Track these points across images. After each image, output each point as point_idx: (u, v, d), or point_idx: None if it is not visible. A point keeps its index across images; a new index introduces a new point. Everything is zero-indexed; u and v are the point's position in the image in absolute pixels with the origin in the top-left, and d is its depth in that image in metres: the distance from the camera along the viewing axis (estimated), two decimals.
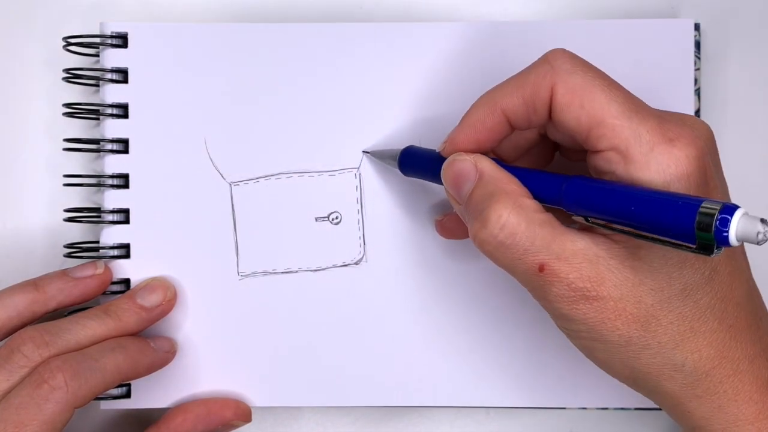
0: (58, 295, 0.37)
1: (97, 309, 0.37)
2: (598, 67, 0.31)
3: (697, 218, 0.25)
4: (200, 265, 0.40)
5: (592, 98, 0.30)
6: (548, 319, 0.40)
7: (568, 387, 0.40)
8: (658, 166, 0.28)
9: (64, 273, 0.38)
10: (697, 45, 0.40)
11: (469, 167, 0.32)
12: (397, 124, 0.40)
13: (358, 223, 0.40)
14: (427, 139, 0.40)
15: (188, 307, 0.40)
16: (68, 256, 0.40)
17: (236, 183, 0.40)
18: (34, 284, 0.37)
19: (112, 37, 0.40)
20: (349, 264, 0.40)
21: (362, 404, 0.40)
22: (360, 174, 0.40)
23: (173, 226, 0.40)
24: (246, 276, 0.40)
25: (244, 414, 0.40)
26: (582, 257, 0.29)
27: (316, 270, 0.40)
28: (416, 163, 0.37)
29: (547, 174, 0.31)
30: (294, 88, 0.40)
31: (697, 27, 0.40)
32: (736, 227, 0.25)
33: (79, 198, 0.41)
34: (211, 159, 0.40)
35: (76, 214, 0.40)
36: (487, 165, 0.32)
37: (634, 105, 0.30)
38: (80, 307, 0.39)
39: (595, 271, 0.29)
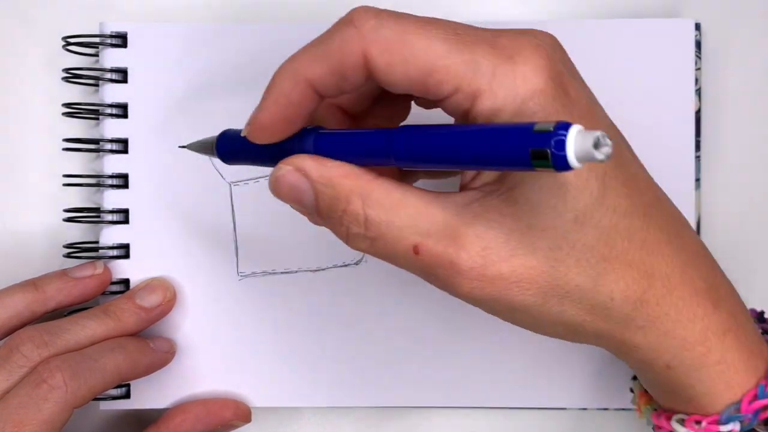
0: (58, 295, 0.37)
1: (96, 309, 0.37)
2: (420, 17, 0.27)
3: (532, 143, 0.22)
4: (200, 265, 0.40)
5: (411, 48, 0.26)
6: None
7: (568, 387, 0.40)
8: (506, 90, 0.25)
9: (63, 273, 0.38)
10: (698, 45, 0.40)
11: (296, 178, 0.28)
12: None
13: None
14: None
15: (188, 307, 0.40)
16: (68, 256, 0.40)
17: (236, 183, 0.40)
18: (33, 284, 0.37)
19: (111, 36, 0.40)
20: (349, 264, 0.40)
21: (362, 404, 0.40)
22: None
23: (173, 226, 0.40)
24: (246, 276, 0.40)
25: (244, 414, 0.40)
26: (456, 224, 0.26)
27: (316, 270, 0.40)
28: (235, 148, 0.33)
29: (370, 134, 0.28)
30: None
31: (697, 27, 0.40)
32: (573, 148, 0.22)
33: (78, 198, 0.41)
34: (211, 159, 0.40)
35: (76, 214, 0.40)
36: (311, 166, 0.28)
37: (459, 35, 0.26)
38: (80, 307, 0.39)
39: (475, 234, 0.26)
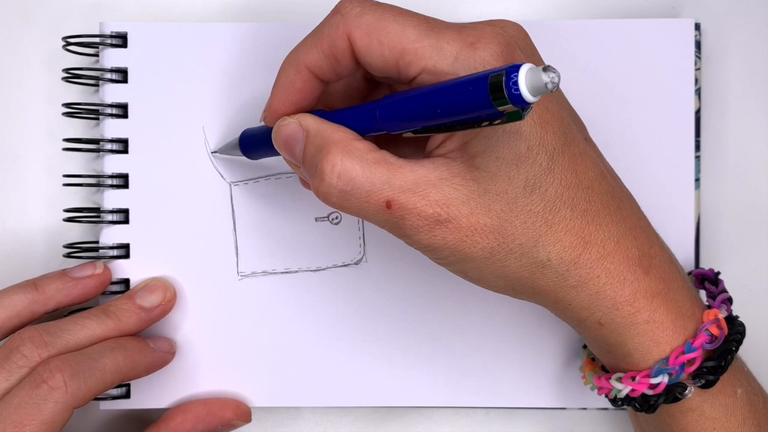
0: (58, 295, 0.37)
1: (96, 309, 0.37)
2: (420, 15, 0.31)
3: (489, 85, 0.25)
4: (200, 265, 0.40)
5: (387, 32, 0.30)
6: (548, 319, 0.40)
7: (568, 387, 0.40)
8: (466, 71, 0.29)
9: (63, 273, 0.38)
10: (698, 45, 0.40)
11: (295, 128, 0.32)
12: None
13: (358, 223, 0.40)
14: None
15: (188, 307, 0.40)
16: (68, 256, 0.40)
17: (236, 183, 0.40)
18: (33, 284, 0.37)
19: (111, 36, 0.40)
20: (349, 264, 0.40)
21: (362, 404, 0.40)
22: None
23: (173, 226, 0.40)
24: (246, 276, 0.40)
25: (244, 414, 0.40)
26: (425, 184, 0.30)
27: (316, 270, 0.40)
28: (254, 143, 0.37)
29: (363, 105, 0.32)
30: None
31: (697, 27, 0.40)
32: (524, 83, 0.25)
33: (78, 198, 0.41)
34: (211, 159, 0.40)
35: (76, 214, 0.40)
36: (311, 121, 0.32)
37: (430, 24, 0.30)
38: (80, 307, 0.39)
39: (441, 194, 0.30)
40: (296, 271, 0.40)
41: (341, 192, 0.30)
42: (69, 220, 0.40)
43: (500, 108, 0.26)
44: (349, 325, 0.40)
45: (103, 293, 0.39)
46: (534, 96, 0.25)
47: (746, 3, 0.42)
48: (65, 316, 0.38)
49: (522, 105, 0.25)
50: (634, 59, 0.40)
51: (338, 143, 0.30)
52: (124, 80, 0.40)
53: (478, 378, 0.40)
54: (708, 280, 0.37)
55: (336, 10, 0.31)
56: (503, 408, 0.41)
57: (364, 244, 0.40)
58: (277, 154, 0.34)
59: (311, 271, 0.40)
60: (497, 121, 0.27)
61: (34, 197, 0.42)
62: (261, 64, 0.40)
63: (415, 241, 0.31)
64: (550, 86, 0.25)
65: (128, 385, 0.40)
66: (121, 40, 0.40)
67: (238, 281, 0.40)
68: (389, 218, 0.30)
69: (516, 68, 0.25)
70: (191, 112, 0.40)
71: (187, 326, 0.40)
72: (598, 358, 0.36)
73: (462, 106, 0.27)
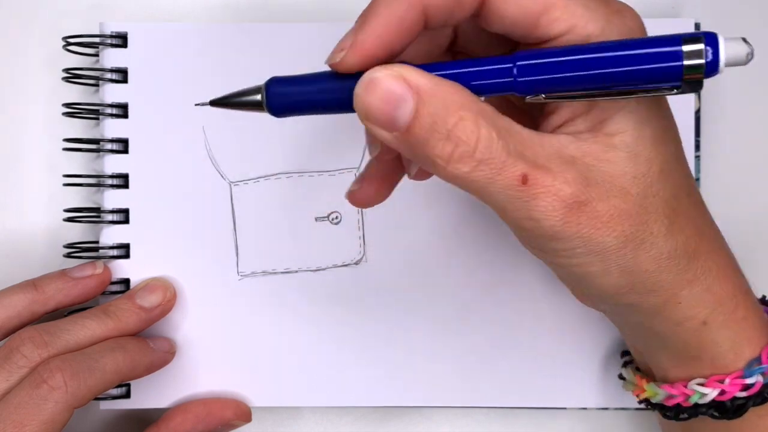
0: (58, 295, 0.37)
1: (96, 309, 0.37)
2: None
3: (684, 52, 0.24)
4: (200, 265, 0.40)
5: None
6: (550, 320, 0.40)
7: (568, 387, 0.40)
8: (619, 36, 0.27)
9: (63, 273, 0.38)
10: None
11: (399, 86, 0.26)
12: None
13: (358, 223, 0.40)
14: None
15: (188, 307, 0.40)
16: (68, 256, 0.40)
17: (236, 183, 0.40)
18: (33, 284, 0.37)
19: (111, 36, 0.40)
20: (349, 264, 0.40)
21: (362, 404, 0.40)
22: None
23: (173, 226, 0.40)
24: (246, 276, 0.40)
25: (244, 414, 0.40)
26: (559, 160, 0.27)
27: (316, 270, 0.40)
28: (295, 94, 0.28)
29: (486, 59, 0.27)
30: None
31: (697, 27, 0.40)
32: (724, 51, 0.24)
33: (78, 198, 0.41)
34: (211, 159, 0.40)
35: (76, 214, 0.40)
36: (419, 76, 0.26)
37: None
38: (80, 307, 0.39)
39: (576, 171, 0.27)
40: (296, 271, 0.40)
41: (477, 161, 0.26)
42: (69, 220, 0.40)
43: (687, 76, 0.24)
44: (349, 324, 0.40)
45: (103, 293, 0.39)
46: (726, 65, 0.24)
47: (746, 3, 0.42)
48: (65, 316, 0.38)
49: (713, 74, 0.24)
50: None
51: (469, 105, 0.26)
52: (124, 80, 0.40)
53: (478, 378, 0.40)
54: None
55: None
56: (503, 408, 0.41)
57: (364, 244, 0.40)
58: (320, 110, 0.28)
59: (311, 271, 0.40)
60: (673, 91, 0.25)
61: (34, 197, 0.42)
62: (261, 64, 0.40)
63: (546, 227, 0.27)
64: (748, 57, 0.24)
65: (128, 385, 0.40)
66: (121, 40, 0.40)
67: (238, 281, 0.40)
68: (521, 197, 0.26)
69: (713, 36, 0.24)
70: (191, 112, 0.40)
71: (187, 326, 0.40)
72: (661, 372, 0.34)
73: (640, 72, 0.25)
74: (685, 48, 0.24)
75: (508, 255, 0.40)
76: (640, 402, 0.36)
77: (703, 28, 0.41)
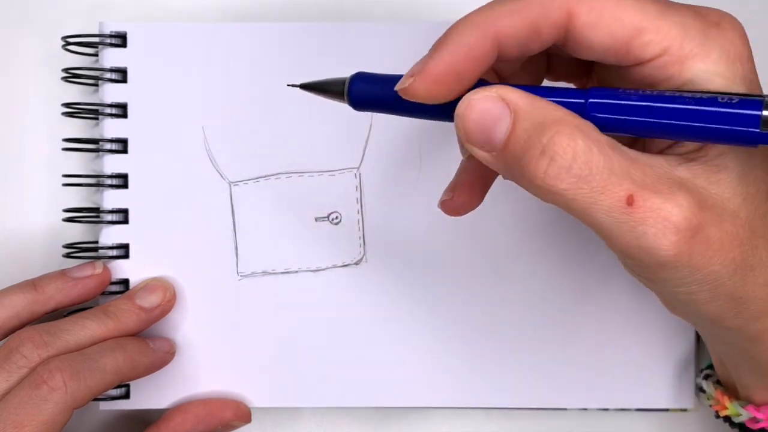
0: (57, 295, 0.37)
1: (96, 309, 0.37)
2: None
3: (762, 118, 0.23)
4: (200, 265, 0.40)
5: (624, 8, 0.26)
6: (549, 320, 0.40)
7: (568, 387, 0.40)
8: (720, 51, 0.25)
9: (62, 273, 0.38)
10: None
11: (497, 105, 0.26)
12: (398, 123, 0.40)
13: (358, 223, 0.40)
14: (430, 138, 0.40)
15: (188, 307, 0.40)
16: (67, 256, 0.40)
17: (236, 183, 0.40)
18: (32, 284, 0.37)
19: (111, 36, 0.40)
20: (349, 264, 0.40)
21: (362, 404, 0.40)
22: (360, 174, 0.40)
23: (173, 226, 0.40)
24: (246, 276, 0.40)
25: (244, 414, 0.39)
26: (668, 182, 0.25)
27: (316, 270, 0.40)
28: (379, 92, 0.29)
29: (563, 90, 0.27)
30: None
31: None
32: None
33: (78, 198, 0.41)
34: (210, 159, 0.40)
35: (75, 214, 0.40)
36: (518, 95, 0.26)
37: (665, 2, 0.26)
38: (79, 307, 0.39)
39: (690, 195, 0.25)
40: (296, 271, 0.40)
41: (576, 177, 0.24)
42: (69, 220, 0.40)
43: (761, 145, 0.23)
44: (348, 325, 0.40)
45: (103, 293, 0.39)
46: None
47: (746, 3, 0.42)
48: (65, 316, 0.38)
49: None
50: None
51: (566, 121, 0.25)
52: (124, 80, 0.40)
53: (478, 378, 0.40)
54: None
55: None
56: (503, 408, 0.41)
57: (364, 244, 0.40)
58: (402, 113, 0.28)
59: (311, 271, 0.40)
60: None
61: (34, 197, 0.42)
62: (261, 64, 0.40)
63: (653, 255, 0.25)
64: None
65: (128, 386, 0.40)
66: (120, 40, 0.40)
67: (238, 281, 0.40)
68: (626, 219, 0.25)
69: None
70: (191, 112, 0.40)
71: (187, 326, 0.40)
72: (747, 391, 0.33)
73: (712, 131, 0.24)
74: (765, 113, 0.23)
75: (508, 254, 0.40)
76: (719, 418, 0.35)
77: None
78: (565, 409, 0.41)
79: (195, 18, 0.42)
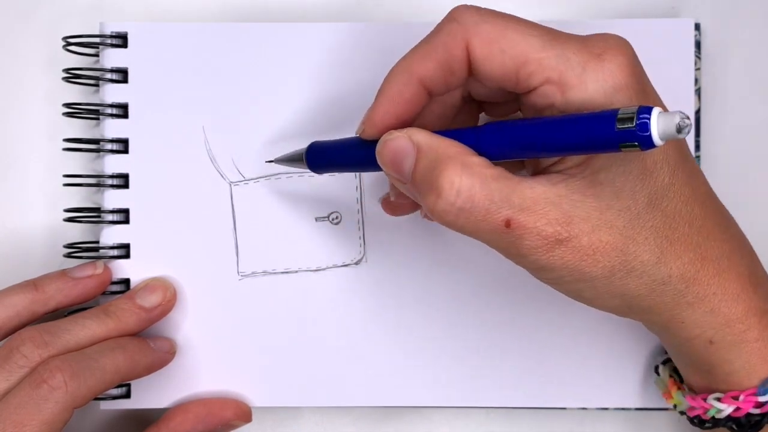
0: (58, 295, 0.37)
1: (96, 309, 0.37)
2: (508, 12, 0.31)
3: (617, 127, 0.25)
4: (200, 265, 0.40)
5: (509, 41, 0.29)
6: (548, 319, 0.40)
7: (568, 387, 0.40)
8: (596, 83, 0.28)
9: (63, 273, 0.38)
10: (697, 45, 0.40)
11: (405, 143, 0.30)
12: None
13: (358, 223, 0.40)
14: None
15: (188, 307, 0.40)
16: (68, 256, 0.40)
17: (236, 183, 0.40)
18: (33, 284, 0.37)
19: (111, 36, 0.40)
20: (349, 264, 0.40)
21: (362, 404, 0.40)
22: (360, 174, 0.40)
23: (173, 226, 0.40)
24: (246, 276, 0.40)
25: (244, 414, 0.40)
26: (544, 202, 0.29)
27: (316, 270, 0.40)
28: (329, 157, 0.36)
29: (462, 130, 0.31)
30: (294, 87, 0.40)
31: (697, 27, 0.40)
32: (656, 128, 0.25)
33: (78, 198, 0.41)
34: (211, 159, 0.40)
35: (76, 214, 0.40)
36: (422, 135, 0.30)
37: (552, 34, 0.29)
38: (80, 307, 0.39)
39: (561, 212, 0.29)
40: (296, 271, 0.40)
41: (459, 210, 0.29)
42: (69, 220, 0.40)
43: (624, 150, 0.26)
44: (348, 325, 0.40)
45: (104, 293, 0.39)
46: (662, 139, 0.25)
47: (746, 3, 0.42)
48: (65, 316, 0.38)
49: (649, 147, 0.25)
50: None
51: (455, 158, 0.29)
52: (125, 80, 0.40)
53: (477, 378, 0.40)
54: None
55: (451, 18, 0.30)
56: (503, 408, 0.41)
57: (364, 244, 0.40)
58: (351, 169, 0.34)
59: (311, 271, 0.40)
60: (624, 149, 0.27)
61: (34, 197, 0.42)
62: (261, 64, 0.40)
63: (532, 261, 0.30)
64: (682, 132, 0.24)
65: (128, 385, 0.40)
66: (121, 40, 0.40)
67: (238, 281, 0.40)
68: (507, 238, 0.29)
69: (647, 110, 0.25)
70: (191, 112, 0.40)
71: (187, 326, 0.40)
72: (686, 379, 0.36)
73: (582, 142, 0.27)
74: (619, 126, 0.25)
75: None
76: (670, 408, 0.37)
77: (703, 28, 0.41)
78: (565, 408, 0.41)
79: (195, 18, 0.42)
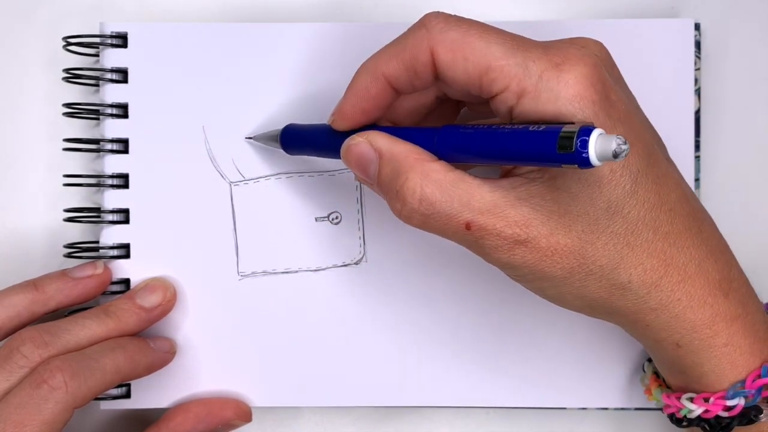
0: (58, 295, 0.37)
1: (96, 309, 0.37)
2: (476, 19, 0.31)
3: (558, 144, 0.26)
4: (200, 265, 0.40)
5: (472, 48, 0.30)
6: (548, 319, 0.40)
7: (568, 387, 0.40)
8: (549, 93, 0.29)
9: (63, 273, 0.38)
10: (697, 45, 0.40)
11: (366, 149, 0.32)
12: None
13: (358, 223, 0.40)
14: None
15: (188, 307, 0.40)
16: (68, 256, 0.40)
17: (236, 183, 0.40)
18: (33, 284, 0.37)
19: (111, 37, 0.40)
20: (349, 264, 0.40)
21: (362, 404, 0.40)
22: None
23: (173, 226, 0.40)
24: (246, 276, 0.40)
25: (245, 414, 0.40)
26: (503, 204, 0.30)
27: (316, 270, 0.40)
28: (301, 140, 0.37)
29: (423, 129, 0.32)
30: (293, 87, 0.40)
31: (697, 27, 0.40)
32: (594, 147, 0.25)
33: (78, 198, 0.41)
34: (211, 159, 0.40)
35: (76, 214, 0.40)
36: (383, 141, 0.32)
37: (516, 42, 0.30)
38: (80, 307, 0.39)
39: (520, 214, 0.30)
40: (296, 271, 0.40)
41: (423, 216, 0.30)
42: (69, 220, 0.40)
43: (564, 166, 0.26)
44: (349, 325, 0.40)
45: (104, 293, 0.39)
46: (600, 161, 0.25)
47: (746, 3, 0.42)
48: (65, 316, 0.38)
49: (587, 167, 0.26)
50: (633, 59, 0.39)
51: (415, 167, 0.30)
52: (125, 80, 0.40)
53: (477, 378, 0.40)
54: None
55: (421, 24, 0.31)
56: (503, 408, 0.41)
57: (364, 244, 0.40)
58: (322, 153, 0.35)
59: (311, 271, 0.40)
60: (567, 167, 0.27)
61: (34, 197, 0.42)
62: (261, 64, 0.40)
63: (495, 259, 0.31)
64: (618, 157, 0.25)
65: (128, 385, 0.40)
66: (121, 40, 0.40)
67: (238, 281, 0.40)
68: (469, 238, 0.30)
69: (587, 132, 0.25)
70: (191, 112, 0.40)
71: (187, 326, 0.40)
72: (665, 377, 0.36)
73: (526, 156, 0.28)
74: (560, 145, 0.26)
75: None
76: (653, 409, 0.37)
77: (703, 28, 0.41)
78: (565, 408, 0.41)
79: (195, 18, 0.42)
